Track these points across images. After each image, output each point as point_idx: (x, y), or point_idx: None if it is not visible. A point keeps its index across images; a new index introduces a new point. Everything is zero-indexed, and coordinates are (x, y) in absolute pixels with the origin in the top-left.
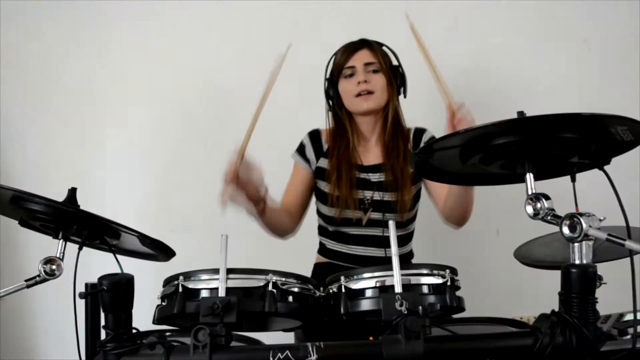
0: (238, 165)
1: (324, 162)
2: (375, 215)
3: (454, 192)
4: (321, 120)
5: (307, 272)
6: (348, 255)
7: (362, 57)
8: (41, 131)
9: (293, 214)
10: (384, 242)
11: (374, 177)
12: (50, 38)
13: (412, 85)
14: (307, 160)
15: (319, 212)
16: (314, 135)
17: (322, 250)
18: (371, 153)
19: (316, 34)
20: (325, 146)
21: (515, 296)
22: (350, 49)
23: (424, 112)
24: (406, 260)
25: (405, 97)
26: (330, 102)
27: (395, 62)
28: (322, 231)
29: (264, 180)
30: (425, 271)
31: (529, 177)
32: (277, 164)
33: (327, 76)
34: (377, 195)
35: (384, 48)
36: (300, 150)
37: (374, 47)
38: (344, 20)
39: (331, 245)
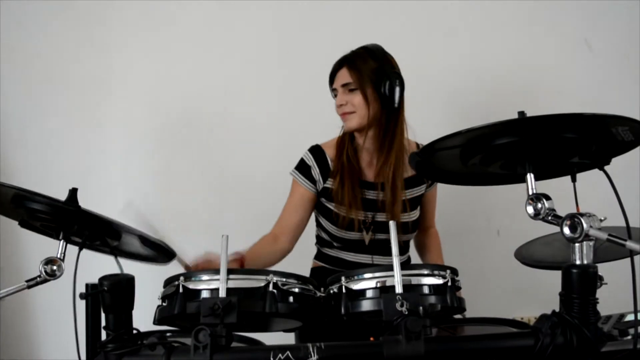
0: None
1: (330, 182)
2: (379, 236)
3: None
4: (321, 123)
5: (306, 274)
6: (348, 261)
7: (340, 79)
8: (42, 131)
9: (289, 237)
10: (386, 250)
11: (375, 195)
12: (51, 38)
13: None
14: (312, 180)
15: (320, 226)
16: (318, 152)
17: (320, 256)
18: (374, 169)
19: (318, 34)
20: (331, 164)
21: (515, 296)
22: (332, 71)
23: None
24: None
25: (397, 105)
26: None
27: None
28: (322, 242)
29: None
30: (425, 272)
31: (530, 177)
32: (280, 164)
33: None
34: (378, 216)
35: (371, 56)
36: (303, 169)
37: (354, 62)
38: (344, 22)
39: (332, 253)
